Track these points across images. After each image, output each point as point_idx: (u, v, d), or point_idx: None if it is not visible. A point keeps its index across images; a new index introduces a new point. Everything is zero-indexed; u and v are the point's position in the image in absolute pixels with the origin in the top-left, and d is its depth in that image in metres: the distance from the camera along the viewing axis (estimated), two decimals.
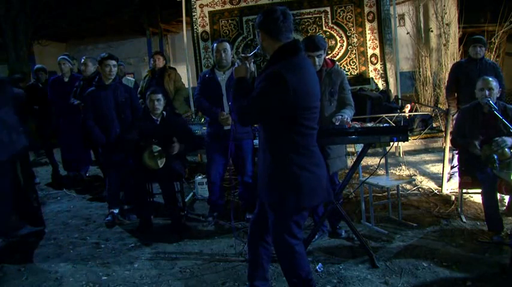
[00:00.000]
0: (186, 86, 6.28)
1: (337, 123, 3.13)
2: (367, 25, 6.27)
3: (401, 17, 9.60)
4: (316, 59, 3.18)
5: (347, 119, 3.17)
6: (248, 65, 2.32)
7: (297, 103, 2.12)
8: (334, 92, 3.31)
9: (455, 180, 4.33)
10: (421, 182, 4.91)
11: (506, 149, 3.28)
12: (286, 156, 2.19)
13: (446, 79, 5.23)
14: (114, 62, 4.16)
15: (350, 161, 4.33)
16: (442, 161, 4.53)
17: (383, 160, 3.95)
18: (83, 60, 5.16)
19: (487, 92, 3.44)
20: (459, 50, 8.62)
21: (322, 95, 3.22)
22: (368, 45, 6.31)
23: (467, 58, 4.82)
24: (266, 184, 2.27)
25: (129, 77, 6.73)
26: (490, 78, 3.51)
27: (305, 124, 2.19)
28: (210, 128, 4.01)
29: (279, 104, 2.10)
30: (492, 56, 8.00)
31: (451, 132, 4.04)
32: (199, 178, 4.94)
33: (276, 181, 2.22)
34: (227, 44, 3.92)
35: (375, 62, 6.33)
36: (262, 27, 2.22)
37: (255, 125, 3.61)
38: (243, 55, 2.36)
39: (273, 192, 2.24)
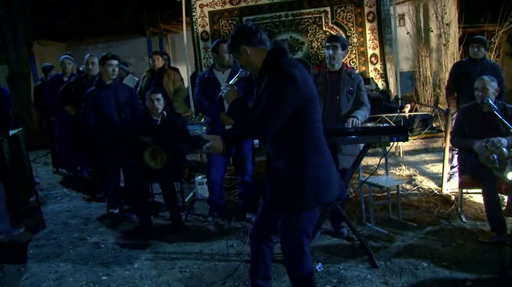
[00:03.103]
0: (186, 86, 6.28)
1: (349, 126, 3.22)
2: (367, 25, 6.26)
3: (401, 17, 9.59)
4: (331, 50, 3.37)
5: (358, 123, 3.28)
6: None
7: (305, 96, 2.14)
8: (352, 91, 3.47)
9: (455, 180, 4.33)
10: (421, 182, 4.91)
11: (504, 149, 3.27)
12: (301, 154, 2.18)
13: (447, 79, 5.23)
14: (116, 62, 4.19)
15: None
16: (442, 161, 4.53)
17: (383, 160, 3.94)
18: (87, 58, 4.92)
19: (480, 92, 3.47)
20: (459, 50, 8.61)
21: (341, 93, 3.42)
22: (368, 45, 6.30)
23: (467, 58, 4.82)
24: (281, 185, 2.23)
25: (135, 77, 6.74)
26: (487, 78, 3.51)
27: (312, 117, 2.20)
28: (210, 128, 4.01)
29: (294, 101, 2.10)
30: (492, 56, 7.99)
31: (451, 132, 4.04)
32: (199, 178, 4.94)
33: (294, 181, 2.19)
34: None
35: (375, 62, 6.32)
36: (246, 42, 2.20)
37: None
38: (228, 84, 2.39)
39: (292, 192, 2.20)
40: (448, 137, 4.18)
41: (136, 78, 6.71)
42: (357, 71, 3.98)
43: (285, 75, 2.10)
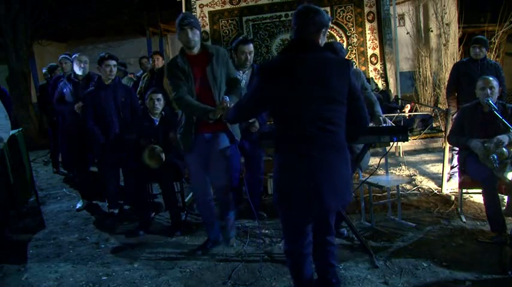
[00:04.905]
0: None
1: (383, 124, 3.29)
2: (367, 25, 6.27)
3: (401, 17, 9.59)
4: None
5: (386, 119, 3.36)
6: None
7: (273, 93, 2.08)
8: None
9: (455, 180, 4.33)
10: (421, 182, 4.91)
11: (504, 149, 3.27)
12: (276, 153, 2.18)
13: (447, 79, 5.23)
14: (114, 62, 4.17)
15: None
16: (442, 161, 4.53)
17: (383, 160, 3.94)
18: (60, 59, 4.78)
19: (488, 91, 3.44)
20: (459, 50, 8.62)
21: None
22: (368, 45, 6.32)
23: (468, 58, 4.82)
24: None
25: (133, 78, 6.74)
26: (491, 78, 3.51)
27: (289, 122, 2.09)
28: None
29: (257, 93, 2.20)
30: (492, 56, 8.00)
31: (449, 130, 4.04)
32: None
33: (273, 177, 2.23)
34: (252, 45, 3.82)
35: (375, 62, 6.34)
36: (297, 16, 2.21)
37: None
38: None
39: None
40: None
41: (134, 78, 6.71)
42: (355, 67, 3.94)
43: (260, 67, 2.28)
